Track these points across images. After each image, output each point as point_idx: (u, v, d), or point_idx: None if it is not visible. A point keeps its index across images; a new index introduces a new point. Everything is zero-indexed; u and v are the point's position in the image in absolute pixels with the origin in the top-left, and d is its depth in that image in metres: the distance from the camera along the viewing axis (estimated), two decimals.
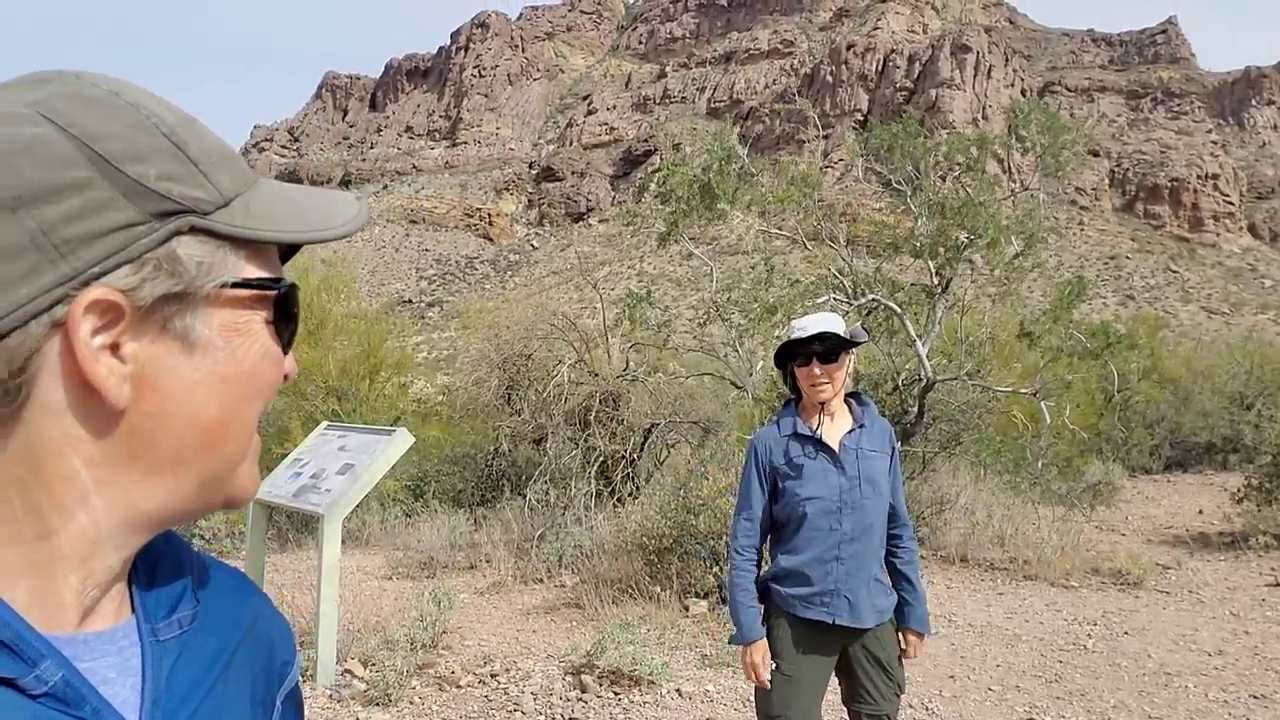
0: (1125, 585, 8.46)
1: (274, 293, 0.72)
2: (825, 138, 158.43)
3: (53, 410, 0.62)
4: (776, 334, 9.82)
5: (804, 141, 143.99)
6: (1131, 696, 5.67)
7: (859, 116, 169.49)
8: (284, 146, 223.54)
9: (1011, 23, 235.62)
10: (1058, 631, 7.14)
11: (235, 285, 0.69)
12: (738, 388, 11.26)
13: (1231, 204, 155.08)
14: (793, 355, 3.28)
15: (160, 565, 0.80)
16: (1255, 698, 5.56)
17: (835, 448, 3.24)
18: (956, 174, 10.82)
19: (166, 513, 0.70)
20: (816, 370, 3.20)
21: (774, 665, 3.19)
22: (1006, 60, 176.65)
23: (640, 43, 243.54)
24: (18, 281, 0.58)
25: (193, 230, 0.65)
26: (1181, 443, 18.16)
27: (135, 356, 0.64)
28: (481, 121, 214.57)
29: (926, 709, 5.59)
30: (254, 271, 0.70)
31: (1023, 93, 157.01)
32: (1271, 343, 23.75)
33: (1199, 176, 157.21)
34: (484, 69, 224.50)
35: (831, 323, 3.27)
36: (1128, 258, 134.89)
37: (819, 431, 3.27)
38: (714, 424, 10.96)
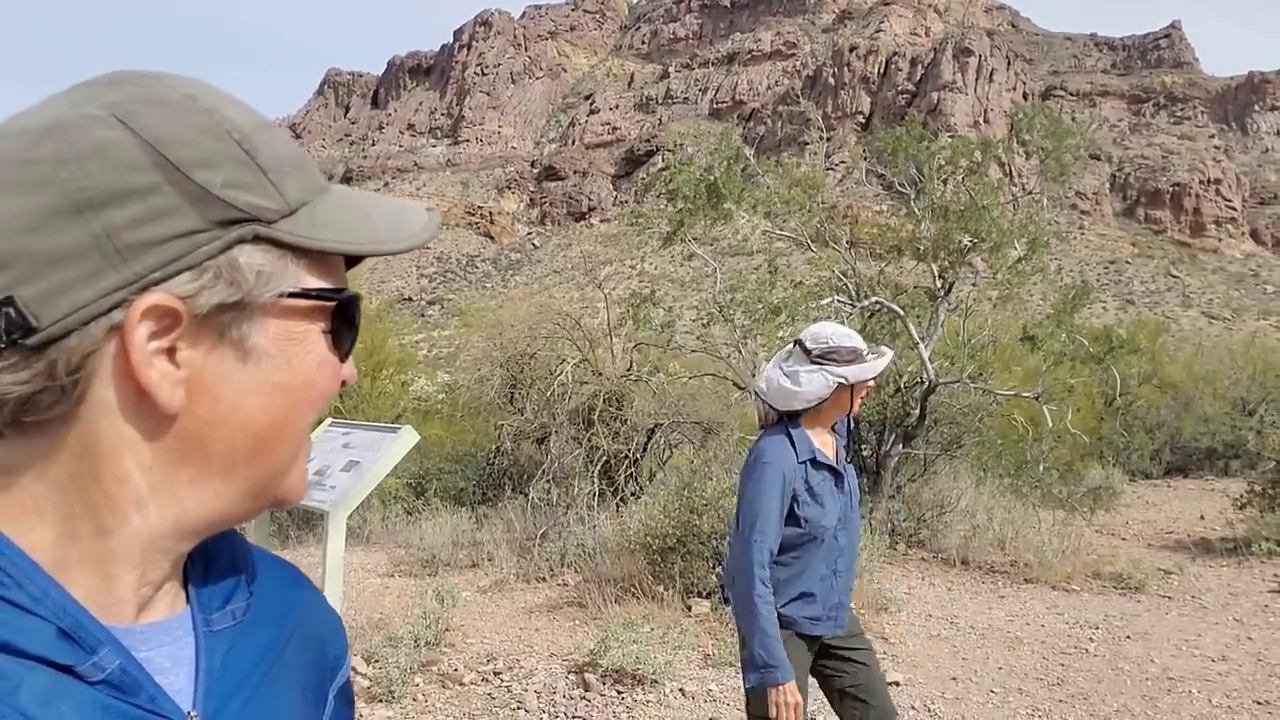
0: (1127, 589, 8.47)
1: (332, 304, 0.72)
2: (827, 140, 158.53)
3: (107, 411, 0.63)
4: (780, 335, 9.83)
5: (806, 143, 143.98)
6: (1134, 701, 5.68)
7: (861, 119, 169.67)
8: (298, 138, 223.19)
9: (1014, 26, 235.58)
10: (1059, 635, 7.15)
11: (293, 295, 0.69)
12: (740, 389, 11.27)
13: (1234, 209, 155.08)
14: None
15: (215, 558, 0.81)
16: (1259, 704, 5.57)
17: (839, 469, 3.21)
18: (960, 178, 10.84)
19: (216, 517, 0.71)
20: (872, 384, 3.17)
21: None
22: (1008, 64, 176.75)
23: (643, 43, 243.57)
24: (80, 284, 0.59)
25: (256, 239, 0.65)
26: (1182, 448, 18.18)
27: (190, 362, 0.65)
28: (484, 120, 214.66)
29: (929, 710, 5.60)
30: (314, 281, 0.70)
31: (1024, 96, 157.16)
32: (1274, 349, 23.78)
33: (1201, 182, 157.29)
34: (486, 67, 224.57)
35: (857, 337, 3.18)
36: (1128, 262, 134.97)
37: (824, 454, 3.18)
38: (716, 425, 10.97)
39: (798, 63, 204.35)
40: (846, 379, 3.07)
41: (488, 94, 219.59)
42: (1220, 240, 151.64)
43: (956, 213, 10.23)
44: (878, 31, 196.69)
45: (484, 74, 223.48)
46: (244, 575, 0.83)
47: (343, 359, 0.76)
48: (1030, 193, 11.43)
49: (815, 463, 3.13)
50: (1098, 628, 7.31)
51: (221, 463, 0.69)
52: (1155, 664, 6.38)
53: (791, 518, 3.10)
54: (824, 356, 3.09)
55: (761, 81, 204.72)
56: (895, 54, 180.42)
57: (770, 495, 3.03)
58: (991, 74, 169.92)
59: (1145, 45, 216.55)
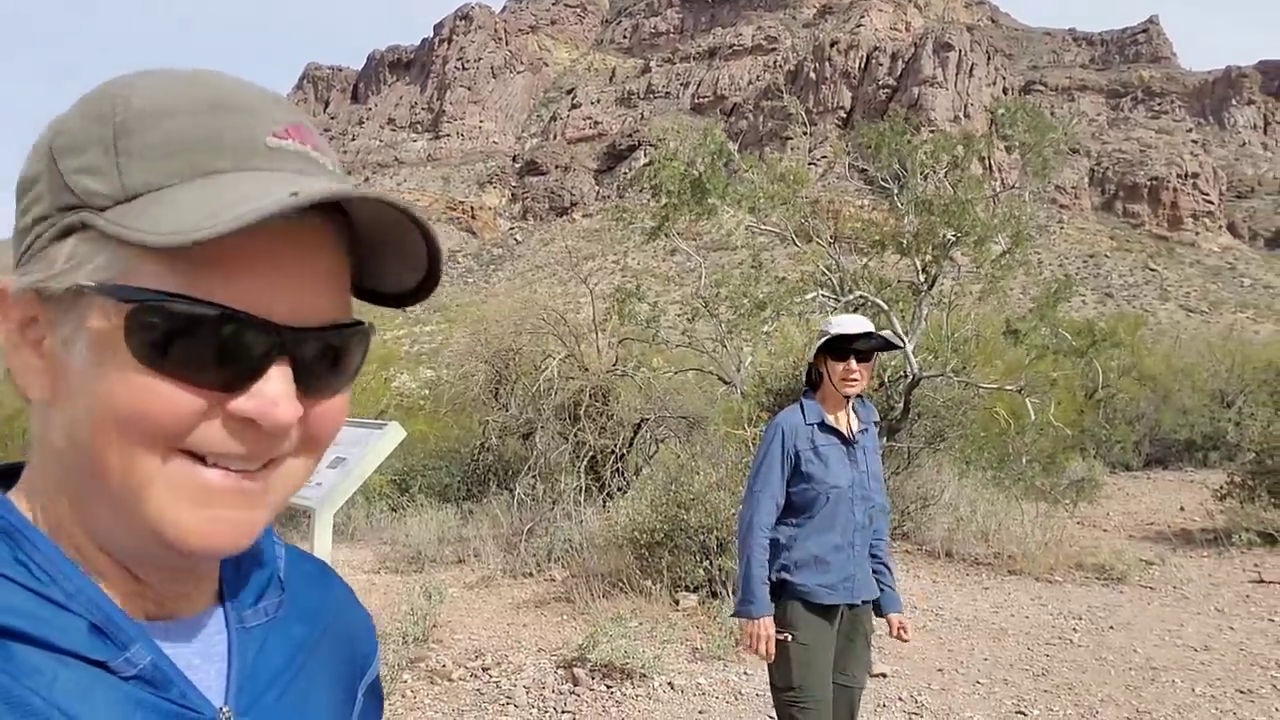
0: (1109, 580, 8.55)
1: (129, 305, 0.61)
2: (808, 134, 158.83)
3: (37, 407, 0.67)
4: (765, 329, 9.87)
5: (789, 139, 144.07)
6: (1119, 691, 5.73)
7: (842, 114, 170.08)
8: None
9: (993, 21, 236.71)
10: (1043, 626, 7.21)
11: (90, 290, 0.62)
12: (725, 383, 11.29)
13: (1211, 203, 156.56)
14: (830, 349, 3.46)
15: (247, 554, 0.81)
16: (1241, 693, 5.64)
17: (849, 438, 3.49)
18: (943, 172, 10.90)
19: (117, 544, 0.66)
20: (854, 365, 3.41)
21: (788, 636, 3.32)
22: (988, 59, 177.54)
23: (624, 37, 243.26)
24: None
25: (85, 226, 0.62)
26: (1161, 440, 18.34)
27: (49, 354, 0.64)
28: (464, 114, 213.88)
29: (916, 701, 5.64)
30: (155, 278, 0.61)
31: (1004, 91, 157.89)
32: (1250, 342, 24.03)
33: (1179, 175, 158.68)
34: (467, 61, 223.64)
35: (867, 326, 3.46)
36: (1106, 256, 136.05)
37: (839, 424, 3.51)
38: (702, 419, 10.99)
39: (779, 58, 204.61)
40: (827, 330, 3.49)
41: (468, 88, 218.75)
42: (1198, 234, 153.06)
43: (940, 207, 10.29)
44: (858, 26, 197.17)
45: (465, 68, 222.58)
46: (276, 572, 0.83)
47: (187, 380, 0.62)
48: (1011, 187, 11.50)
49: (823, 425, 3.47)
50: (1081, 618, 7.38)
51: (81, 475, 0.64)
52: (1139, 654, 6.44)
53: (797, 475, 3.43)
54: (820, 337, 3.55)
55: (743, 76, 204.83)
56: (876, 49, 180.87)
57: (774, 451, 3.42)
58: (972, 69, 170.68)
59: (1123, 40, 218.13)
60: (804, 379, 3.66)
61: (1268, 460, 9.97)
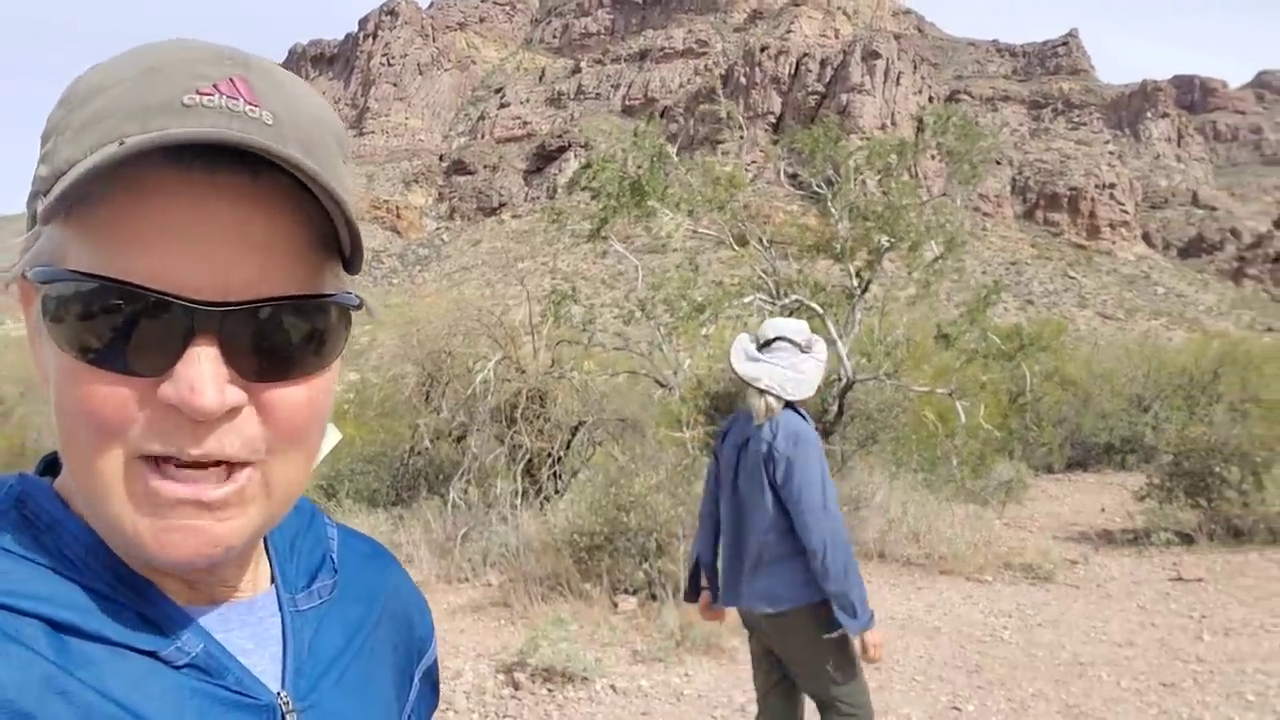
0: (1036, 579, 8.77)
1: (43, 286, 0.60)
2: (744, 138, 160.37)
3: None
4: (704, 332, 9.93)
5: (720, 142, 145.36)
6: (1049, 685, 5.88)
7: (772, 119, 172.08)
8: None
9: (920, 31, 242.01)
10: (975, 624, 7.37)
11: (25, 277, 0.62)
12: (662, 386, 11.32)
13: (1127, 213, 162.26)
14: None
15: (300, 536, 0.81)
16: (1165, 686, 5.83)
17: None
18: (878, 178, 11.11)
19: (113, 542, 0.64)
20: None
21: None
22: (915, 67, 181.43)
23: (554, 37, 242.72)
24: None
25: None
26: (1082, 443, 18.88)
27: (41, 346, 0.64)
28: (390, 111, 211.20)
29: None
30: (74, 260, 0.59)
31: (930, 99, 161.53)
32: (1165, 348, 24.92)
33: (1096, 186, 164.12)
34: (393, 58, 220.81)
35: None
36: (1028, 264, 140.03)
37: None
38: (639, 422, 10.99)
39: (710, 61, 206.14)
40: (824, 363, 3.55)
41: (394, 85, 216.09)
42: (1114, 243, 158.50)
43: (875, 213, 10.49)
44: (788, 32, 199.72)
45: (390, 64, 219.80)
46: (329, 553, 0.82)
47: (104, 364, 0.59)
48: (944, 194, 11.78)
49: None
50: (1011, 616, 7.56)
51: (71, 473, 0.64)
52: (1066, 650, 6.62)
53: None
54: (809, 345, 3.51)
55: (674, 79, 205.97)
56: (805, 55, 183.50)
57: (825, 468, 3.39)
58: (899, 77, 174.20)
59: (1044, 52, 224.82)
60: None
61: (1184, 462, 10.32)
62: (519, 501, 9.80)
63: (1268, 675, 5.92)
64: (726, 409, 11.08)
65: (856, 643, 3.35)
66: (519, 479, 10.08)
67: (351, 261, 0.66)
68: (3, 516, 0.65)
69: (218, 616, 0.70)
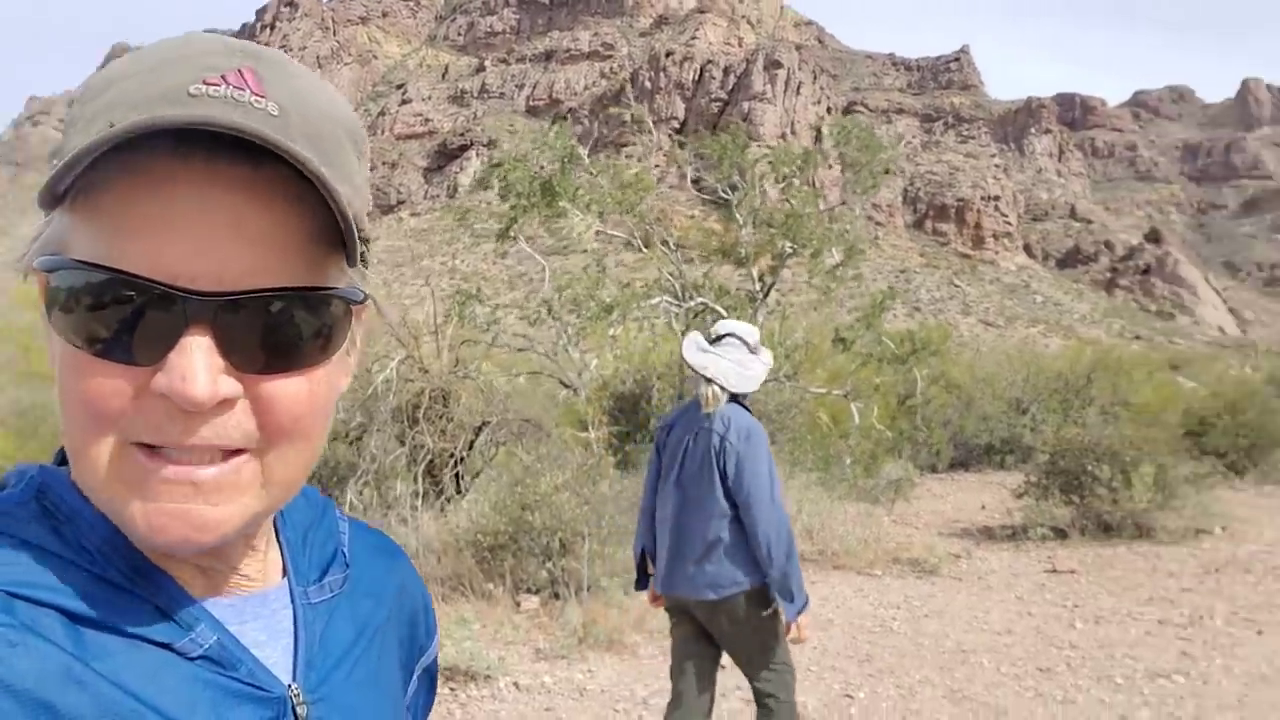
0: (923, 573, 9.16)
1: (46, 276, 0.61)
2: (654, 141, 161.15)
3: None
4: (611, 333, 10.04)
5: (623, 145, 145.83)
6: (934, 672, 6.20)
7: (676, 124, 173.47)
8: (62, 121, 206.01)
9: (820, 42, 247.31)
10: (866, 616, 7.67)
11: (34, 267, 0.63)
12: (566, 386, 11.39)
13: (1010, 224, 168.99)
14: None
15: (313, 529, 0.81)
16: (1041, 670, 6.21)
17: None
18: (782, 186, 11.42)
19: (124, 530, 0.64)
20: None
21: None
22: (815, 78, 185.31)
23: (459, 34, 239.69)
24: None
25: None
26: (964, 444, 19.68)
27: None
28: None
29: (749, 692, 5.89)
30: (78, 249, 0.60)
31: (828, 110, 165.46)
32: (1041, 354, 26.16)
33: (983, 198, 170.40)
34: (291, 50, 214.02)
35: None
36: (916, 272, 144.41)
37: None
38: (543, 423, 11.03)
39: (615, 64, 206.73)
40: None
41: None
42: (997, 253, 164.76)
43: (779, 220, 10.78)
44: (693, 39, 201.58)
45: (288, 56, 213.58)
46: (340, 547, 0.82)
47: (106, 354, 0.59)
48: (843, 203, 12.17)
49: None
50: (899, 608, 7.90)
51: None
52: (951, 639, 6.97)
53: None
54: (757, 348, 3.79)
55: (579, 81, 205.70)
56: (710, 62, 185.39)
57: (773, 464, 3.67)
58: (799, 87, 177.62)
59: (938, 67, 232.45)
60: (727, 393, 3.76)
61: (1059, 461, 10.92)
62: (419, 503, 9.73)
63: (1134, 660, 6.36)
64: (631, 410, 11.23)
65: (791, 625, 3.62)
66: (420, 480, 10.01)
67: (349, 255, 0.65)
68: (23, 507, 0.65)
69: (231, 609, 0.70)
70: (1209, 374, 35.44)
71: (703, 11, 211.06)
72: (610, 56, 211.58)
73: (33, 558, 0.62)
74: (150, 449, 0.61)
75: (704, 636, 3.84)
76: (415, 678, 0.90)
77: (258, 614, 0.72)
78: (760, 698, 3.76)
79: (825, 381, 12.57)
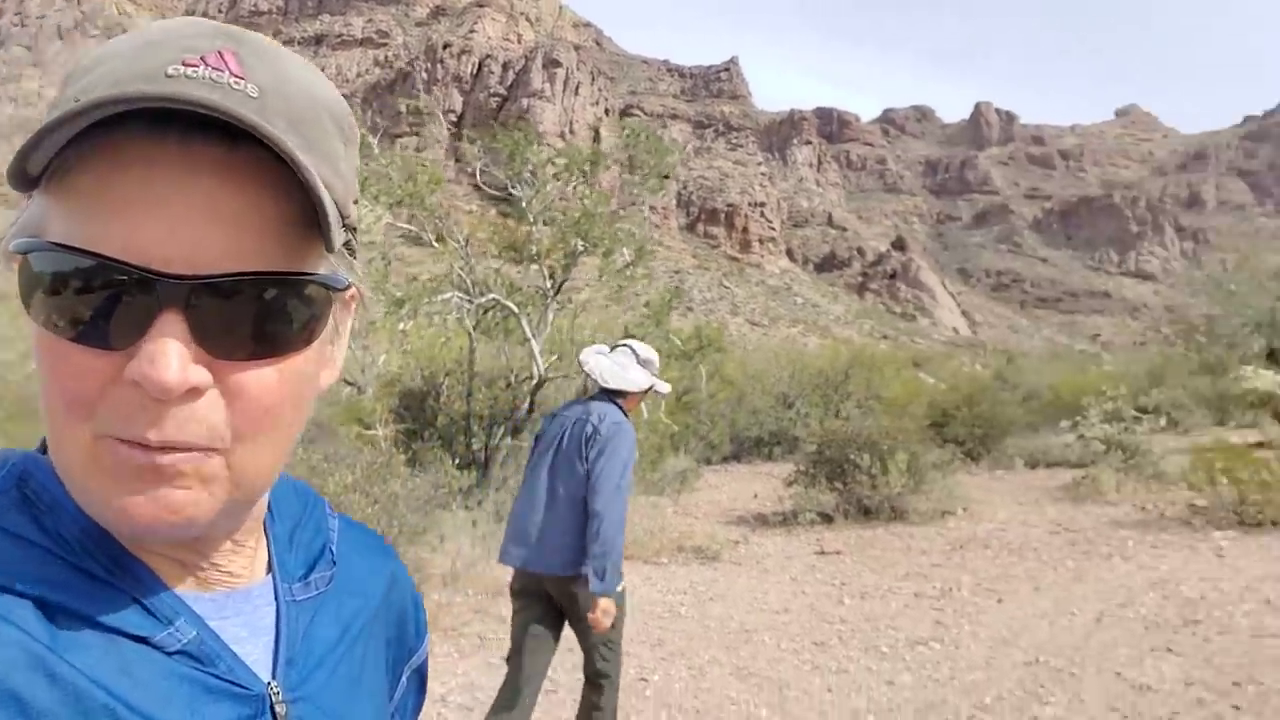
0: (705, 560, 9.60)
1: (19, 259, 0.60)
2: (417, 134, 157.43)
3: None
4: (401, 327, 9.84)
5: (398, 136, 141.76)
6: (721, 652, 6.56)
7: (453, 117, 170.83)
8: None
9: (599, 44, 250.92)
10: (655, 602, 7.97)
11: (9, 250, 0.61)
12: (350, 384, 11.05)
13: (774, 230, 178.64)
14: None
15: (300, 525, 0.80)
16: (816, 644, 6.70)
17: None
18: (571, 185, 11.59)
19: (95, 518, 0.63)
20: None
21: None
22: (593, 79, 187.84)
23: (219, 11, 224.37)
24: None
25: None
26: (736, 437, 20.70)
27: None
28: (21, 77, 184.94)
29: (550, 679, 6.01)
30: (53, 231, 0.59)
31: (606, 112, 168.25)
32: (804, 352, 27.92)
33: (750, 204, 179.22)
34: (28, 18, 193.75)
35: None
36: (689, 273, 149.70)
37: None
38: (327, 422, 10.66)
39: (390, 53, 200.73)
40: (656, 387, 4.28)
41: (28, 48, 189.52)
42: (763, 257, 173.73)
43: (572, 218, 10.94)
44: (471, 31, 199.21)
45: (24, 25, 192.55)
46: (328, 543, 0.80)
47: (81, 341, 0.58)
48: (632, 203, 12.51)
49: None
50: (686, 593, 8.26)
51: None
52: (734, 620, 7.38)
53: None
54: (646, 363, 4.22)
55: (351, 68, 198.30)
56: (488, 56, 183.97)
57: (632, 459, 4.01)
58: (578, 87, 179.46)
59: (709, 76, 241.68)
60: (598, 388, 4.17)
61: (825, 451, 11.75)
62: None
63: (896, 630, 6.99)
64: (419, 407, 11.06)
65: (594, 601, 3.88)
66: None
67: (326, 240, 0.62)
68: (3, 495, 0.64)
69: (213, 604, 0.68)
70: (946, 370, 39.02)
71: (481, 5, 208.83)
72: (385, 45, 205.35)
73: (9, 546, 0.61)
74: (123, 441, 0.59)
75: (548, 621, 4.07)
76: (404, 678, 0.89)
77: (239, 610, 0.70)
78: (595, 676, 4.03)
79: None
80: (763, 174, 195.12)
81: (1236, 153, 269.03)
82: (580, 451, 3.98)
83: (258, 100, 0.58)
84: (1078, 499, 12.25)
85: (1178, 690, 5.49)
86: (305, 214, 0.61)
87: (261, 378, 0.61)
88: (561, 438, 4.10)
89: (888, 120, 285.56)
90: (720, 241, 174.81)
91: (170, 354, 0.56)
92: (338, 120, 0.66)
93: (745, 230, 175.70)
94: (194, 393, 0.58)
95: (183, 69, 0.57)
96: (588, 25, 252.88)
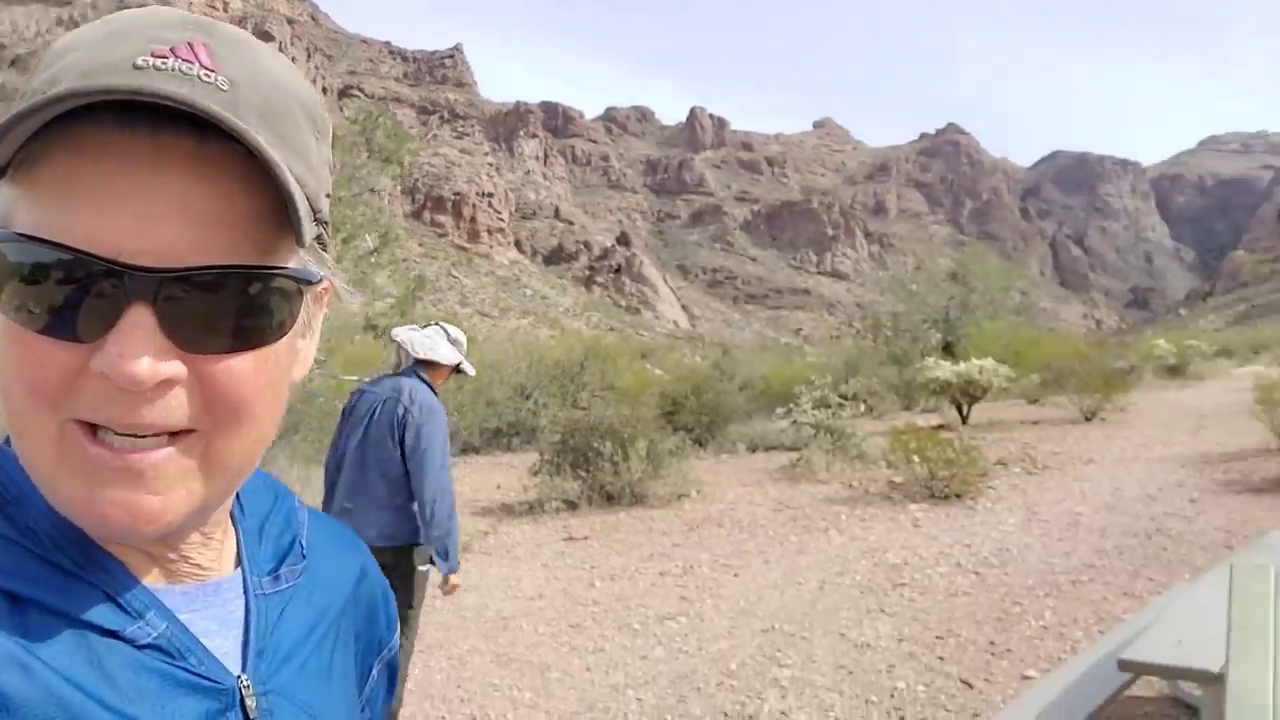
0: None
1: None
2: None
3: None
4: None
5: None
6: (480, 641, 6.59)
7: None
8: None
9: (314, 20, 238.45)
10: None
11: None
12: None
13: (503, 220, 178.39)
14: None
15: (271, 519, 0.79)
16: (572, 626, 6.89)
17: None
18: None
19: (62, 513, 0.62)
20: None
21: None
22: (309, 56, 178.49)
23: None
24: None
25: None
26: (474, 428, 20.62)
27: None
28: None
29: None
30: (19, 221, 0.58)
31: (324, 91, 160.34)
32: (543, 343, 28.22)
33: (478, 194, 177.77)
34: None
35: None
36: (416, 261, 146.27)
37: None
38: None
39: (76, 11, 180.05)
40: (463, 365, 4.48)
41: None
42: (491, 247, 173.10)
43: None
44: None
45: None
46: (298, 537, 0.80)
47: (49, 332, 0.57)
48: (372, 190, 12.12)
49: None
50: (439, 585, 8.18)
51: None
52: (490, 608, 7.42)
53: None
54: (455, 343, 4.47)
55: (29, 25, 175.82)
56: None
57: (446, 438, 4.24)
58: (292, 63, 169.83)
59: (434, 61, 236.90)
60: (409, 359, 4.33)
61: (570, 440, 12.03)
62: None
63: (646, 608, 7.32)
64: None
65: (446, 578, 4.34)
66: None
67: (297, 234, 0.61)
68: None
69: (183, 597, 0.68)
70: (669, 362, 40.89)
71: None
72: (69, 2, 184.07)
73: None
74: (92, 431, 0.58)
75: None
76: (375, 671, 0.90)
77: (209, 603, 0.70)
78: None
79: (346, 369, 12.45)
80: (490, 164, 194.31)
81: (913, 166, 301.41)
82: (393, 431, 4.15)
83: (229, 93, 0.58)
84: (795, 479, 13.32)
85: (892, 646, 6.18)
86: (277, 208, 0.61)
87: (234, 368, 0.61)
88: (373, 414, 4.22)
89: (610, 119, 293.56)
90: (448, 230, 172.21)
91: (138, 347, 0.56)
92: (309, 113, 0.66)
93: (473, 220, 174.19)
94: (166, 384, 0.58)
95: (152, 60, 0.57)
96: (303, 0, 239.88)
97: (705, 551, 9.20)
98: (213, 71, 0.59)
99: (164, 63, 0.57)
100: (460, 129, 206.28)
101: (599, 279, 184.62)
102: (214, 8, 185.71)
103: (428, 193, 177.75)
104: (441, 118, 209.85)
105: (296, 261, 0.64)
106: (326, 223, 0.69)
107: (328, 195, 0.69)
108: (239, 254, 0.60)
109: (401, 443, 4.12)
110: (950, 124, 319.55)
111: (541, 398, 21.07)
